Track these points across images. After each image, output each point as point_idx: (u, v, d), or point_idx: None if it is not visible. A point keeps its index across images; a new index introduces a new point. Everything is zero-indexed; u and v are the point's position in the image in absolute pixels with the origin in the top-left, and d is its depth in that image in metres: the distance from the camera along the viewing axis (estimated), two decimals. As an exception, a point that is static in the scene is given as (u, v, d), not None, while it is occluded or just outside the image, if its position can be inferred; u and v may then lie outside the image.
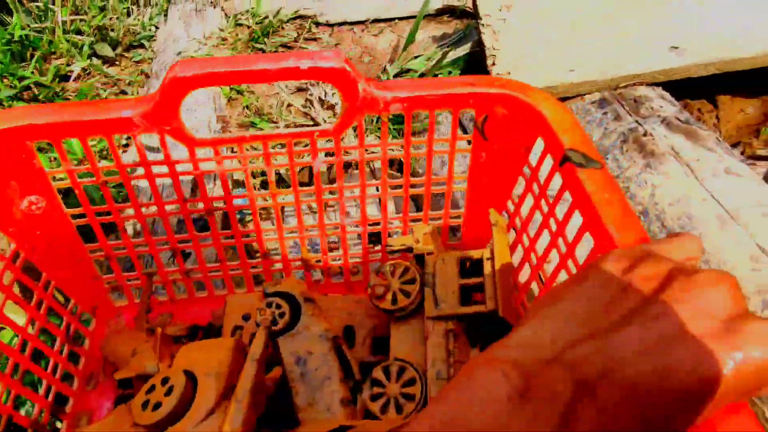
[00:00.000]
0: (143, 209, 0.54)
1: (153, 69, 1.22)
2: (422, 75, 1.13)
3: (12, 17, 1.35)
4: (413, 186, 0.56)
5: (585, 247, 0.42)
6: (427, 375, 0.45)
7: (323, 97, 1.02)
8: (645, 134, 0.85)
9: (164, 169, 0.51)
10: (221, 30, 1.30)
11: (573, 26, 0.95)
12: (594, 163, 0.43)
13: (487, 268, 0.47)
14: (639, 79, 0.97)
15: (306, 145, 0.53)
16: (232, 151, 0.78)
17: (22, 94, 1.24)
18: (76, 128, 0.47)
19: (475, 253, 0.49)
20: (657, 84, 0.98)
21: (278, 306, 0.48)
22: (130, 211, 0.56)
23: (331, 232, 0.59)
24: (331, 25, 1.33)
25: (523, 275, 0.52)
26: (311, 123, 1.02)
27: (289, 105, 1.08)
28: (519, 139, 0.52)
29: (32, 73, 1.27)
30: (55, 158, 0.94)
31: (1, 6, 1.39)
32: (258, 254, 0.60)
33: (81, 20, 1.38)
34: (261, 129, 1.01)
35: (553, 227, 0.47)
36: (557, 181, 0.45)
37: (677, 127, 0.87)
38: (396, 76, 1.14)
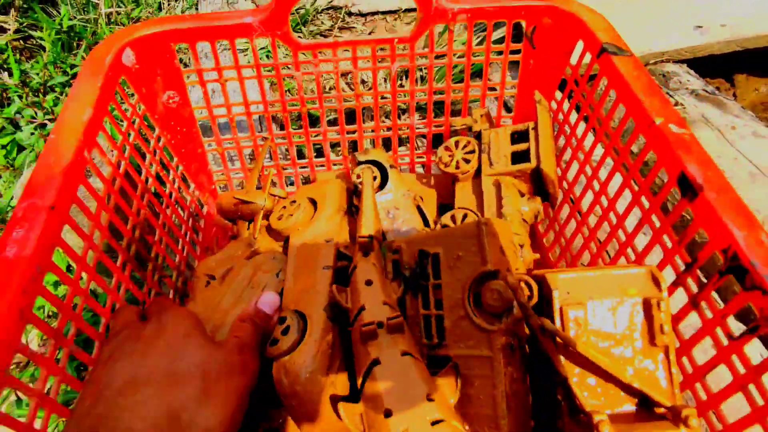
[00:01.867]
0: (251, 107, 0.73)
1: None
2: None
3: (57, 10, 1.58)
4: (471, 88, 0.76)
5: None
6: (485, 215, 0.62)
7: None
8: (676, 104, 1.05)
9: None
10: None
11: (598, 6, 1.17)
12: (625, 52, 0.63)
13: (531, 136, 0.66)
14: (666, 56, 1.17)
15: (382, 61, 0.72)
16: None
17: (72, 82, 1.46)
18: (208, 32, 0.67)
19: (522, 126, 0.67)
20: (682, 61, 1.18)
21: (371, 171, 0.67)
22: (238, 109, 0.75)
23: (402, 132, 0.77)
24: (364, 15, 1.56)
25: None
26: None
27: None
28: (561, 44, 0.71)
29: (81, 60, 1.48)
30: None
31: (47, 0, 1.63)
32: (338, 148, 0.78)
33: (117, 12, 1.62)
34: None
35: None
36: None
37: (705, 97, 1.06)
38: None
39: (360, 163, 0.68)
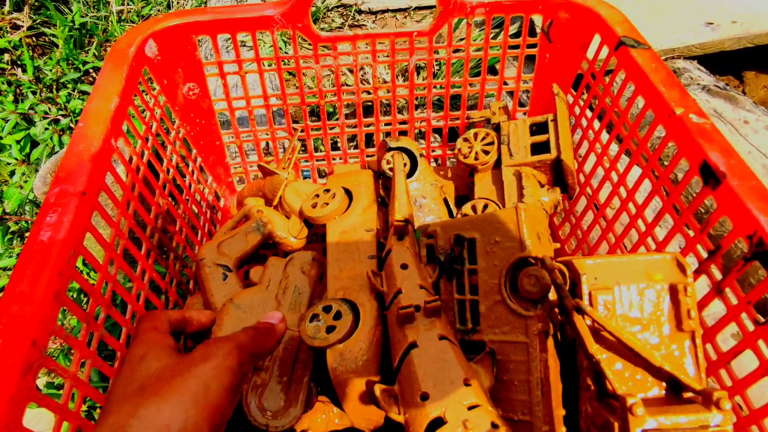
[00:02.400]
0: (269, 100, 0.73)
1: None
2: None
3: (69, 8, 1.58)
4: (488, 82, 0.76)
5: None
6: (505, 205, 0.62)
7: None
8: (689, 100, 1.05)
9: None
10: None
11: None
12: (643, 45, 0.63)
13: (551, 127, 0.66)
14: (677, 52, 1.17)
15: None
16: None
17: (84, 78, 1.46)
18: (229, 24, 0.67)
19: (541, 118, 0.67)
20: (692, 57, 1.18)
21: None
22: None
23: (418, 125, 0.78)
24: (374, 13, 1.56)
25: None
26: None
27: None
28: (578, 39, 0.71)
29: (93, 57, 1.49)
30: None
31: (59, -2, 1.63)
32: (350, 143, 0.79)
33: (128, 10, 1.62)
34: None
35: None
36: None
37: (717, 93, 1.06)
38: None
39: (390, 149, 0.68)
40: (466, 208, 0.64)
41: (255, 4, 0.69)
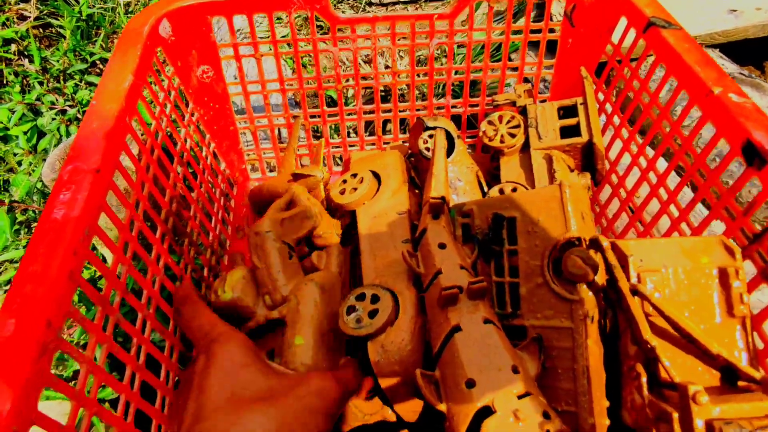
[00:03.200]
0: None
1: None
2: None
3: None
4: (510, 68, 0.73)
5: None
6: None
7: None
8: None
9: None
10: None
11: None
12: (674, 25, 0.60)
13: (580, 110, 0.63)
14: (699, 40, 1.14)
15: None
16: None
17: (91, 70, 1.44)
18: (245, 5, 0.64)
19: (569, 101, 0.65)
20: (714, 46, 1.15)
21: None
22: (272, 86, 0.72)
23: (436, 111, 0.75)
24: (385, 4, 1.53)
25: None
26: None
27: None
28: (602, 22, 0.69)
29: (100, 48, 1.46)
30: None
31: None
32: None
33: (135, 2, 1.60)
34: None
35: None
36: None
37: (742, 80, 1.03)
38: None
39: (428, 128, 0.65)
40: (494, 191, 0.61)
41: (271, -16, 0.66)
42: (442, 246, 0.43)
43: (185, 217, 0.59)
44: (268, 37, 0.68)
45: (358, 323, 0.42)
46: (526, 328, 0.40)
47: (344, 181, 0.59)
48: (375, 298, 0.43)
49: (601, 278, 0.38)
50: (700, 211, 0.72)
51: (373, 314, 0.42)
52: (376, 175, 0.58)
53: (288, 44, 0.69)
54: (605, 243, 0.36)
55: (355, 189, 0.56)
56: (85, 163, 0.42)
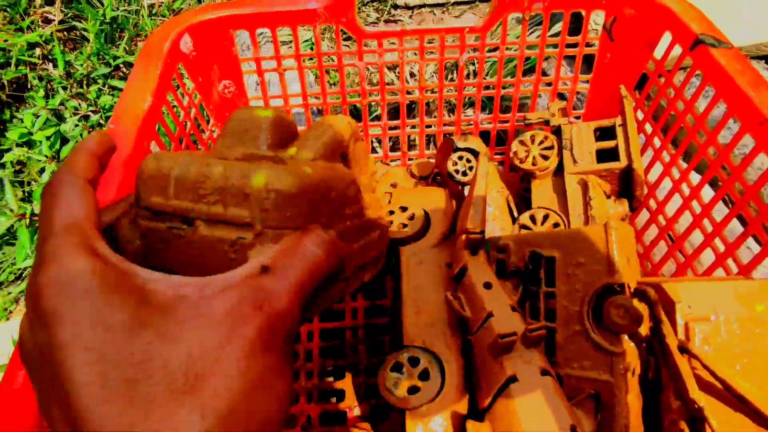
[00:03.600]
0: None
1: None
2: None
3: (100, 1, 1.56)
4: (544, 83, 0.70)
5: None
6: (569, 217, 0.57)
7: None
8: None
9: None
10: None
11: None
12: (725, 44, 0.57)
13: (619, 132, 0.60)
14: (744, 51, 1.09)
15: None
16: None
17: (114, 73, 1.44)
18: (269, 18, 0.63)
19: (607, 122, 0.62)
20: (760, 57, 1.09)
21: (468, 160, 0.61)
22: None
23: (464, 127, 0.73)
24: (411, 8, 1.51)
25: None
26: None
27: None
28: (644, 36, 0.65)
29: (123, 51, 1.47)
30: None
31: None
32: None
33: (159, 4, 1.60)
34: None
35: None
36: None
37: None
38: None
39: (458, 149, 0.63)
40: (525, 218, 0.59)
41: (296, -4, 0.64)
42: (487, 286, 0.41)
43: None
44: (290, 42, 0.67)
45: (395, 387, 0.40)
46: (561, 378, 0.38)
47: (391, 212, 0.56)
48: (425, 375, 0.41)
49: (644, 329, 0.36)
50: (751, 248, 0.68)
51: (413, 391, 0.40)
52: (426, 213, 0.56)
53: (311, 58, 0.67)
54: (653, 295, 0.34)
55: (405, 225, 0.54)
56: (100, 194, 0.41)
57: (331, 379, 0.62)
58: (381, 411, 0.56)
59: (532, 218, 0.59)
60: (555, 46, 0.68)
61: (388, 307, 0.67)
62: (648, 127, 0.65)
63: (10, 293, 0.95)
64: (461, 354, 0.42)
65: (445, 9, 1.50)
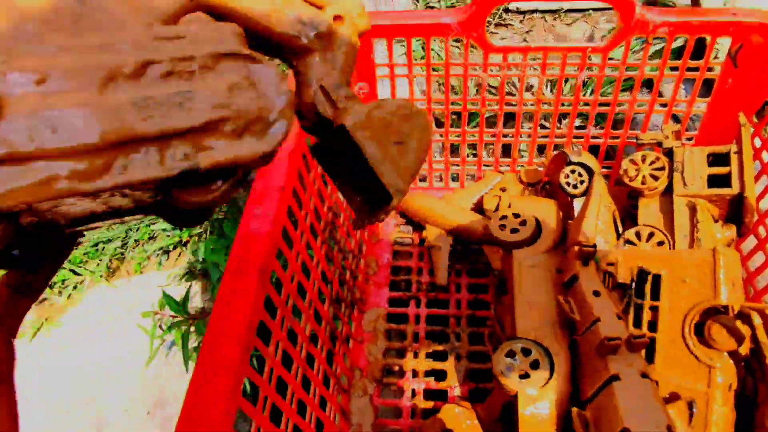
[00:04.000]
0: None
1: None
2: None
3: None
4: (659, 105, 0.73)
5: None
6: (674, 237, 0.60)
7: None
8: None
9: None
10: (419, 9, 1.55)
11: None
12: None
13: (734, 160, 0.63)
14: None
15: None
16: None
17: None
18: (405, 29, 0.70)
19: (723, 148, 0.64)
20: None
21: (580, 174, 0.66)
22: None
23: (574, 141, 0.77)
24: (522, 12, 1.54)
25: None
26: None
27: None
28: (769, 66, 0.67)
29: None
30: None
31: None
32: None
33: None
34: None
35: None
36: None
37: None
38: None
39: (570, 163, 0.68)
40: (630, 234, 0.63)
41: (431, 11, 0.71)
42: (596, 293, 0.46)
43: (337, 224, 0.66)
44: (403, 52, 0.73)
45: (508, 371, 0.46)
46: (657, 383, 0.43)
47: (504, 217, 0.62)
48: (536, 364, 0.46)
49: (744, 349, 0.40)
50: None
51: (523, 377, 0.46)
52: (537, 222, 0.61)
53: (438, 67, 0.74)
54: (757, 320, 0.38)
55: (516, 230, 0.60)
56: (271, 181, 0.49)
57: (434, 361, 0.69)
58: (480, 393, 0.63)
59: (638, 234, 0.63)
60: (675, 68, 0.71)
61: (489, 302, 0.73)
62: (765, 156, 0.67)
63: (146, 251, 1.09)
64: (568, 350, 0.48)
65: (556, 16, 1.52)
